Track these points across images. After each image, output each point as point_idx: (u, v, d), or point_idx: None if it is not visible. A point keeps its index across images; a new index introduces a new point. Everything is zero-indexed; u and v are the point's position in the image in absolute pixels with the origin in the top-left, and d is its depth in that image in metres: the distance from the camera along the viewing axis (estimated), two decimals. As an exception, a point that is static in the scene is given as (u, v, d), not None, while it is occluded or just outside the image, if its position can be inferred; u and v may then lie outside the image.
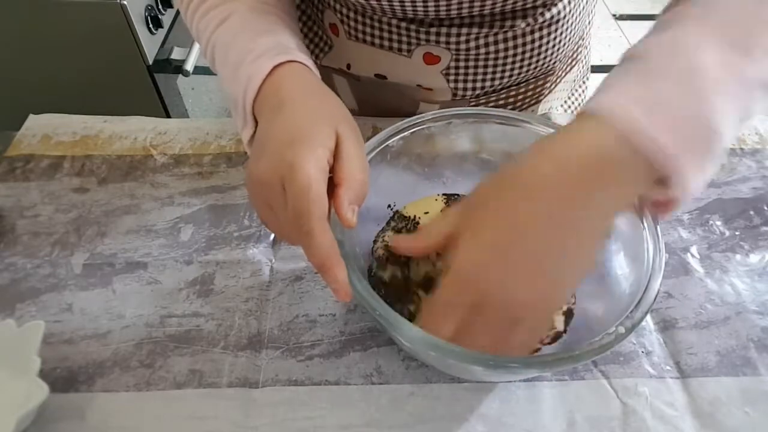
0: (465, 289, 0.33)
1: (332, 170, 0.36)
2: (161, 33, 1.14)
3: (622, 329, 0.36)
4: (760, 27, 0.33)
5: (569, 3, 0.56)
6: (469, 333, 0.33)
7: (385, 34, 0.57)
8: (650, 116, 0.31)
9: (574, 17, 0.59)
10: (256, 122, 0.41)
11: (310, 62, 0.43)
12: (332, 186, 0.36)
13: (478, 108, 0.49)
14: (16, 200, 0.57)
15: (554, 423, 0.43)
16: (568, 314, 0.45)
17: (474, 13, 0.52)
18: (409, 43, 0.57)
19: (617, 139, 0.31)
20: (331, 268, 0.34)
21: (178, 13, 1.21)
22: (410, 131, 0.47)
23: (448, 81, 0.60)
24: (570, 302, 0.46)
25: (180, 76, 1.20)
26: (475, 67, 0.58)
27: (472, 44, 0.55)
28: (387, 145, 0.46)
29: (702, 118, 0.31)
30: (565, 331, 0.44)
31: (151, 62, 1.10)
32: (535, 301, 0.33)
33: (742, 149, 0.64)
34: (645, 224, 0.41)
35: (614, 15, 2.57)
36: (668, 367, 0.46)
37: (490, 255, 0.33)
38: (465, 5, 0.50)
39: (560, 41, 0.59)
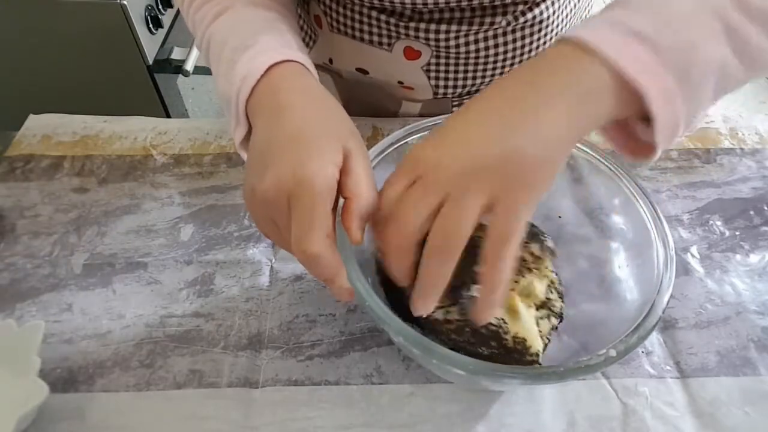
0: (412, 167, 0.32)
1: (339, 184, 0.35)
2: (161, 33, 1.15)
3: (613, 352, 0.35)
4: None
5: (552, 5, 0.56)
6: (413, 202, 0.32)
7: (366, 27, 0.56)
8: (632, 41, 0.29)
9: (560, 20, 0.58)
10: (250, 123, 0.40)
11: (308, 62, 0.41)
12: (338, 197, 0.35)
13: None
14: (16, 200, 0.57)
15: (554, 423, 0.43)
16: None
17: (452, 6, 0.52)
18: (389, 37, 0.56)
19: (599, 63, 0.29)
20: (336, 283, 0.34)
21: (178, 12, 1.21)
22: (414, 135, 0.46)
23: (429, 78, 0.59)
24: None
25: (180, 76, 1.20)
26: (456, 65, 0.58)
27: (452, 42, 0.55)
28: (390, 151, 0.45)
29: (686, 44, 0.30)
30: (560, 320, 0.44)
31: (151, 62, 1.10)
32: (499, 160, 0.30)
33: (742, 149, 0.64)
34: (657, 234, 0.41)
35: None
36: (668, 367, 0.46)
37: (439, 139, 0.32)
38: None
39: (545, 43, 0.58)
